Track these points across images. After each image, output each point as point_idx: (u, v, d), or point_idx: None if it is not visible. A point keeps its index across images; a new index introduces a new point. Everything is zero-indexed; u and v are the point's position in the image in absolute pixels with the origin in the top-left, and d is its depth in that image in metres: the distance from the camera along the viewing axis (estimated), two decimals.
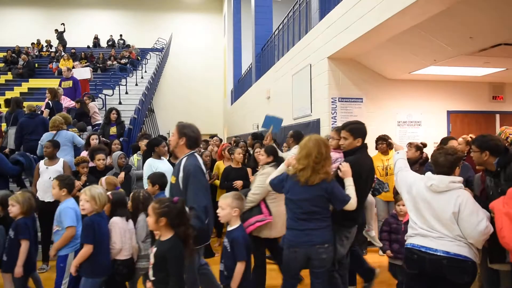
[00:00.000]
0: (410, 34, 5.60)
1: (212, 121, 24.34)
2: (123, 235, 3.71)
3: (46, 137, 6.80)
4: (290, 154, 4.71)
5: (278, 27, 12.20)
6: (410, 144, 5.90)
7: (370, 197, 4.59)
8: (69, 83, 10.65)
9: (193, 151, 3.60)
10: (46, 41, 21.67)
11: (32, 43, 21.73)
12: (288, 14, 11.07)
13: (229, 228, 3.48)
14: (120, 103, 13.31)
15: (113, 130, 8.53)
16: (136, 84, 16.27)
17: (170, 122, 23.15)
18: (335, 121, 7.25)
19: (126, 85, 15.06)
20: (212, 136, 9.78)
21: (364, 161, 3.80)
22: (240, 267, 3.36)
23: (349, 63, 7.35)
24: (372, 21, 5.52)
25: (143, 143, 6.63)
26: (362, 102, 7.45)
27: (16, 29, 24.40)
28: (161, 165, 5.51)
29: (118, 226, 3.71)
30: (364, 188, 3.75)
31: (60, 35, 21.78)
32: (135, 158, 6.64)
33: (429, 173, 3.18)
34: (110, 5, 26.28)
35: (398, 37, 5.80)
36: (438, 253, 2.93)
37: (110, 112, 8.86)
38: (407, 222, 3.54)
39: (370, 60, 7.26)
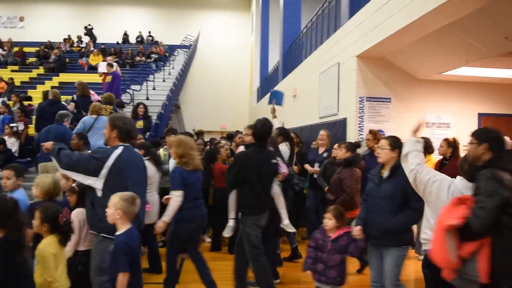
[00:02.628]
0: (442, 33, 5.50)
1: (237, 118, 24.41)
2: (82, 226, 3.68)
3: (87, 120, 7.08)
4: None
5: (307, 25, 12.14)
6: (339, 146, 5.61)
7: (276, 188, 4.45)
8: (109, 78, 10.84)
9: (127, 144, 3.45)
10: (77, 37, 22.11)
11: (64, 39, 22.19)
12: (317, 12, 10.99)
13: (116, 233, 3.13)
14: (147, 98, 13.48)
15: (139, 124, 8.65)
16: (164, 80, 16.44)
17: (196, 118, 23.47)
18: (362, 121, 7.17)
19: (153, 81, 15.25)
20: (236, 133, 9.78)
21: (254, 155, 4.30)
22: (122, 280, 2.93)
23: (378, 62, 7.25)
24: (403, 19, 5.44)
25: (170, 138, 6.71)
26: (390, 102, 7.34)
27: (48, 25, 24.97)
28: None
29: (78, 218, 3.69)
30: (255, 178, 4.23)
31: (89, 32, 22.23)
32: (162, 153, 6.72)
33: (460, 179, 2.94)
34: (139, 1, 26.65)
35: (430, 36, 5.69)
36: None
37: (137, 106, 9.02)
38: (336, 239, 3.71)
39: (400, 60, 7.15)
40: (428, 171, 3.08)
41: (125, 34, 24.78)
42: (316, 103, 9.44)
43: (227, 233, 4.51)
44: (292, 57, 13.94)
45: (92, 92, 9.89)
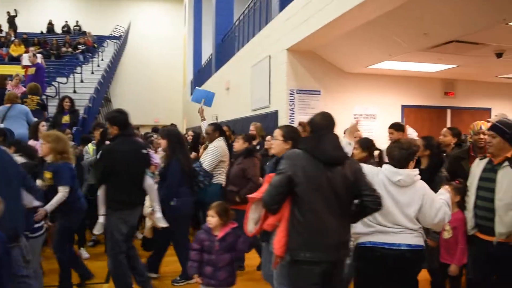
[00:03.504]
0: (367, 28, 5.69)
1: (171, 112, 24.02)
2: None
3: (0, 110, 6.72)
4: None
5: (239, 17, 12.13)
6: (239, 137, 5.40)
7: (149, 180, 4.30)
8: (32, 70, 10.18)
9: None
10: None
11: None
12: (249, 5, 11.01)
13: None
14: (74, 91, 12.85)
15: (65, 118, 8.20)
16: (92, 73, 15.77)
17: (128, 112, 22.72)
18: (293, 113, 7.29)
19: (81, 73, 14.56)
20: (171, 125, 9.58)
21: (119, 147, 4.03)
22: None
23: (308, 56, 7.39)
24: (330, 14, 5.57)
25: (97, 132, 6.44)
26: (320, 94, 7.52)
27: None
28: None
29: None
30: (123, 171, 3.97)
31: (11, 19, 20.80)
32: (90, 148, 6.45)
33: (389, 167, 3.00)
34: None
35: (355, 31, 5.88)
36: (402, 247, 2.88)
37: (63, 100, 8.52)
38: (223, 238, 3.41)
39: (329, 53, 7.34)
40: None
41: (50, 24, 23.47)
42: (248, 95, 9.48)
43: (97, 230, 4.21)
44: (225, 49, 13.89)
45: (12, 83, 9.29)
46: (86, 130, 8.75)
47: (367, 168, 2.99)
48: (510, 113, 9.17)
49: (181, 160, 4.60)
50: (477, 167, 3.38)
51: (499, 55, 6.41)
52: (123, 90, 23.79)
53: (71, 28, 23.79)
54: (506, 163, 3.14)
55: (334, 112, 7.47)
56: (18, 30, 20.51)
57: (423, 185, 3.01)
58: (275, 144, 3.51)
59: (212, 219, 3.47)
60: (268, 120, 7.82)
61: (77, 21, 24.19)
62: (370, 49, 6.58)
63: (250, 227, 3.02)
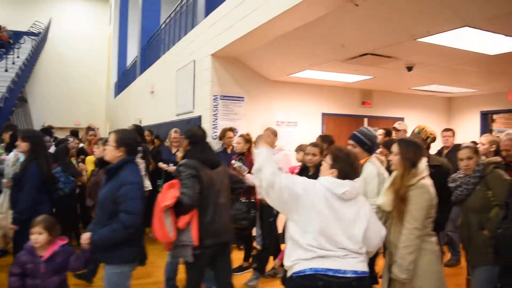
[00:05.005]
0: (289, 38, 5.83)
1: (93, 114, 23.08)
2: None
3: None
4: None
5: (165, 20, 11.95)
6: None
7: None
8: None
9: None
10: None
11: None
12: (175, 8, 10.89)
13: None
14: None
15: None
16: (6, 70, 14.82)
17: (47, 113, 21.56)
18: (217, 119, 7.29)
19: None
20: (89, 129, 9.15)
21: None
22: None
23: (232, 62, 7.44)
24: (252, 23, 5.64)
25: (7, 135, 6.05)
26: (243, 101, 7.59)
27: None
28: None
29: None
30: None
31: None
32: None
33: (329, 178, 2.65)
34: None
35: (277, 40, 6.00)
36: (348, 275, 2.47)
37: None
38: (51, 258, 3.12)
39: (252, 60, 7.43)
40: (287, 176, 2.68)
41: None
42: (173, 100, 9.35)
43: None
44: (151, 52, 13.62)
45: None
46: None
47: (302, 179, 2.67)
48: (421, 122, 9.82)
49: (41, 164, 4.32)
50: None
51: (409, 68, 6.84)
52: (42, 90, 22.53)
53: None
54: None
55: (257, 118, 7.65)
56: None
57: (364, 199, 2.78)
58: (108, 150, 3.29)
59: (39, 237, 3.08)
60: (192, 125, 7.74)
61: None
62: (292, 58, 6.75)
63: (172, 232, 3.33)
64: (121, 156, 3.20)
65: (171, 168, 6.58)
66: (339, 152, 2.74)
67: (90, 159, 6.62)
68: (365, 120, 9.14)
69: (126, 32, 19.70)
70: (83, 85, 24.24)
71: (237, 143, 5.81)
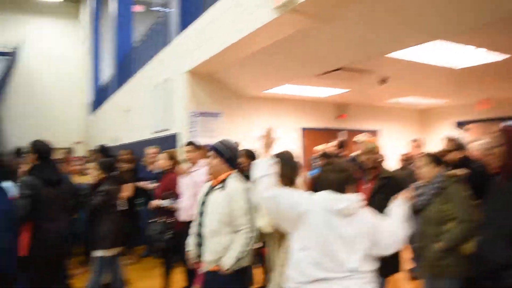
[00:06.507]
0: (262, 54, 5.86)
1: (68, 134, 22.66)
2: None
3: None
4: None
5: (139, 38, 11.89)
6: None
7: None
8: None
9: None
10: None
11: None
12: (149, 27, 10.84)
13: None
14: None
15: None
16: None
17: (22, 133, 21.01)
18: (193, 136, 7.24)
19: None
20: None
21: None
22: None
23: (207, 79, 7.42)
24: (226, 40, 5.65)
25: None
26: (220, 117, 7.57)
27: None
28: None
29: None
30: None
31: None
32: None
33: (326, 193, 2.45)
34: None
35: (252, 56, 6.02)
36: None
37: None
38: None
39: (228, 77, 7.44)
40: (285, 191, 2.53)
41: None
42: (148, 118, 9.26)
43: None
44: (125, 70, 13.50)
45: None
46: None
47: (299, 194, 2.51)
48: (397, 134, 9.99)
49: None
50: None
51: (383, 82, 6.96)
52: (17, 110, 22.04)
53: None
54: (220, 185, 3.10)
55: (235, 135, 7.62)
56: None
57: (367, 213, 2.51)
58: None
59: None
60: (169, 143, 7.68)
61: None
62: (267, 73, 6.79)
63: None
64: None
65: (150, 185, 6.48)
66: None
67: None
68: (343, 132, 9.23)
69: (99, 50, 19.54)
70: (58, 104, 23.78)
71: (160, 159, 5.70)
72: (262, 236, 3.05)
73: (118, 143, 11.20)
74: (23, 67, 22.83)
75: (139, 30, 13.01)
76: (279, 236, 2.88)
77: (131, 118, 11.30)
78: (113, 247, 4.53)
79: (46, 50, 24.25)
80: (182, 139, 7.33)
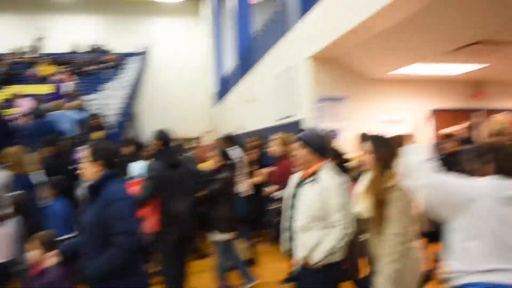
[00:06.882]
0: (390, 33, 5.59)
1: (194, 124, 24.15)
2: None
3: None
4: None
5: (259, 29, 12.14)
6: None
7: None
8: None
9: None
10: (24, 47, 21.30)
11: (11, 49, 21.31)
12: (268, 16, 11.01)
13: None
14: (99, 109, 13.08)
15: (95, 135, 8.39)
16: (117, 90, 16.03)
17: (152, 126, 22.97)
18: (318, 122, 7.21)
19: (106, 90, 14.84)
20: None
21: None
22: None
23: (330, 63, 7.32)
24: (351, 21, 5.50)
25: (129, 149, 6.53)
26: (345, 101, 7.42)
27: None
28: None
29: None
30: None
31: (39, 41, 21.52)
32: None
33: (491, 179, 2.24)
34: (87, 10, 25.96)
35: (378, 36, 5.78)
36: None
37: (91, 117, 8.77)
38: (41, 275, 2.91)
39: (352, 60, 7.25)
40: (447, 177, 2.32)
41: (74, 44, 24.10)
42: (272, 105, 9.44)
43: None
44: (247, 61, 13.92)
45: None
46: None
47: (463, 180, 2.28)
48: None
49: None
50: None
51: None
52: (147, 105, 24.11)
53: (94, 46, 24.32)
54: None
55: (360, 118, 7.41)
56: (44, 51, 21.12)
57: None
58: (84, 167, 2.81)
59: (34, 253, 3.00)
60: (293, 129, 7.74)
61: (98, 40, 24.75)
62: (395, 53, 6.47)
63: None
64: (100, 171, 2.75)
65: (264, 171, 6.53)
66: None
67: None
68: (479, 113, 8.46)
69: (221, 44, 20.41)
70: (184, 96, 25.50)
71: (273, 145, 5.62)
72: (360, 223, 2.87)
73: (243, 132, 11.60)
74: (153, 64, 24.82)
75: (258, 21, 13.26)
76: (378, 222, 2.72)
77: (255, 107, 11.63)
78: (230, 231, 4.71)
79: (172, 47, 26.08)
80: (307, 125, 7.34)
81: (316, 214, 2.77)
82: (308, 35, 7.18)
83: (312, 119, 7.23)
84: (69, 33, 24.81)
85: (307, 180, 2.87)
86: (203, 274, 5.21)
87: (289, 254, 2.99)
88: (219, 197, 4.69)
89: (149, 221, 3.98)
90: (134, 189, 3.96)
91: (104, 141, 3.83)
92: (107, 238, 2.58)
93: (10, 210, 4.02)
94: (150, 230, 3.97)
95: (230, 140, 7.18)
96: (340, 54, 6.99)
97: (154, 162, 4.14)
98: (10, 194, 4.30)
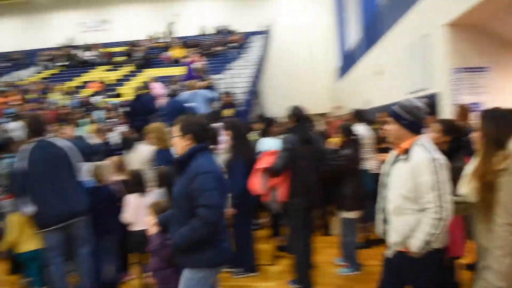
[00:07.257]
0: None
1: (317, 100, 24.07)
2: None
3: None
4: None
5: None
6: None
7: None
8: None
9: None
10: (158, 33, 23.06)
11: (147, 36, 23.20)
12: None
13: None
14: (227, 88, 13.68)
15: (228, 112, 8.87)
16: (243, 68, 16.57)
17: (274, 104, 23.38)
18: (457, 94, 6.68)
19: (233, 69, 15.43)
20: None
21: None
22: None
23: (471, 30, 6.68)
24: None
25: (259, 125, 6.76)
26: (488, 72, 6.75)
27: (129, 25, 26.29)
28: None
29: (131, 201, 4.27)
30: None
31: (171, 26, 23.15)
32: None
33: None
34: None
35: None
36: None
37: (223, 95, 9.28)
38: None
39: (496, 26, 6.54)
40: None
41: (201, 26, 25.40)
42: (403, 78, 8.97)
43: None
44: (373, 32, 13.35)
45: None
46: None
47: None
48: None
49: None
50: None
51: None
52: (269, 83, 24.58)
53: (220, 28, 25.36)
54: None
55: (507, 91, 6.71)
56: (175, 35, 22.64)
57: None
58: (174, 141, 2.93)
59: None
60: (428, 104, 7.30)
61: (224, 21, 25.73)
62: None
63: (263, 187, 4.23)
64: (189, 145, 2.85)
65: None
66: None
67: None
68: None
69: (345, 16, 19.87)
70: (306, 73, 25.48)
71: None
72: (466, 207, 2.59)
73: (369, 107, 11.25)
74: (276, 42, 25.12)
75: None
76: (485, 209, 2.43)
77: (382, 80, 11.17)
78: (354, 209, 4.61)
79: (293, 24, 26.10)
80: (443, 99, 6.85)
81: (408, 195, 2.54)
82: (444, 1, 6.63)
83: (449, 92, 6.72)
84: (197, 17, 26.23)
85: (400, 158, 2.65)
86: (329, 250, 5.21)
87: (383, 237, 2.81)
88: (344, 175, 4.61)
89: (280, 191, 4.22)
90: (268, 160, 4.24)
91: (233, 118, 4.37)
92: (193, 209, 2.72)
93: (153, 182, 4.43)
94: (280, 199, 4.22)
95: (359, 115, 7.01)
96: (483, 19, 6.33)
97: (289, 135, 4.27)
98: (154, 167, 4.73)
